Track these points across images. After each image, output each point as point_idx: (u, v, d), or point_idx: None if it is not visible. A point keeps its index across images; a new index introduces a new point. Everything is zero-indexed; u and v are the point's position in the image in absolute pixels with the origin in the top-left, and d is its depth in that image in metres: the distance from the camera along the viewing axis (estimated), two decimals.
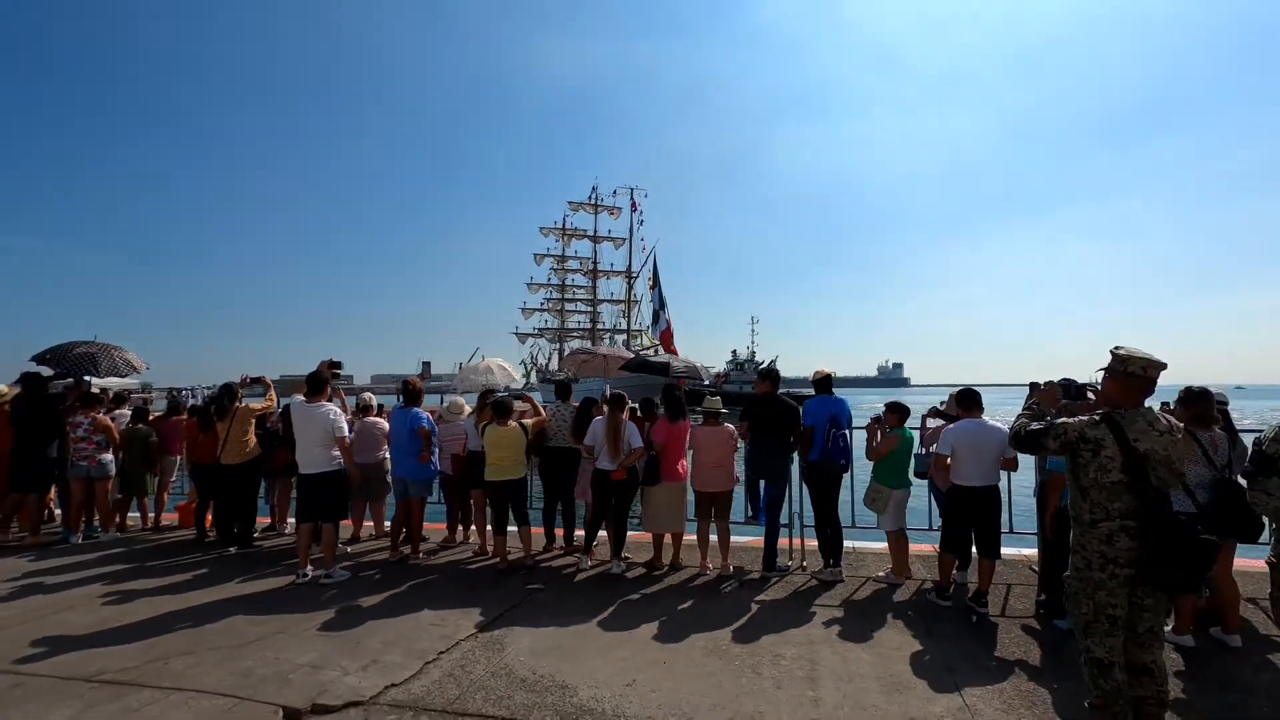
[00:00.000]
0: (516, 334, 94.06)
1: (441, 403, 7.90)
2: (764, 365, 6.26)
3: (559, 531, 6.76)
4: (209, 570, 6.11)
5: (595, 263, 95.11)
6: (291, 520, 7.76)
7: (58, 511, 7.98)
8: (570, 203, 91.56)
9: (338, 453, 5.71)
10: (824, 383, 6.05)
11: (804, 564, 6.08)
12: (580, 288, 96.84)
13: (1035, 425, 3.25)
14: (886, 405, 5.90)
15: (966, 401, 5.10)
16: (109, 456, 7.42)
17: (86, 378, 7.67)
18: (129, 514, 8.09)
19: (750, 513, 6.39)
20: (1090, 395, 3.45)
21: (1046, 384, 5.00)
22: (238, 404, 6.89)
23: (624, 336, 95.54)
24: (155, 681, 3.76)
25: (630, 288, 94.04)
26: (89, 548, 7.00)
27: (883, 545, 6.55)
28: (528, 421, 6.16)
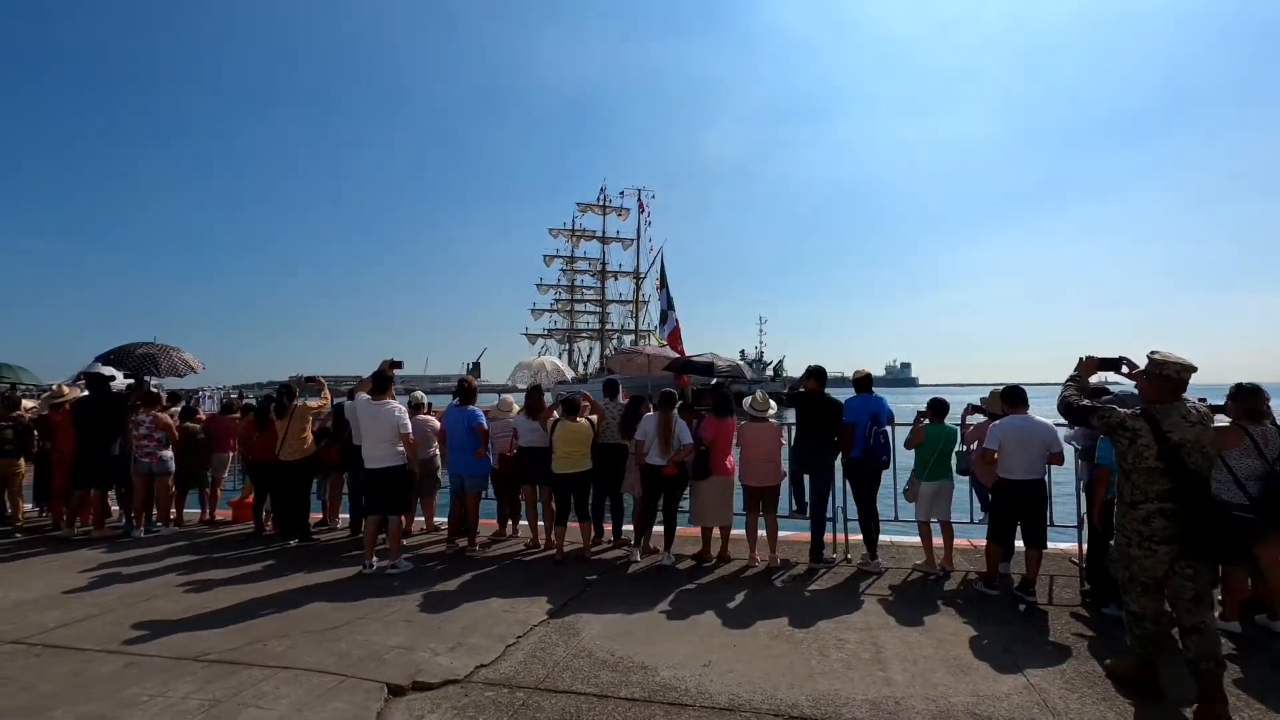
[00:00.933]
0: (526, 335, 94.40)
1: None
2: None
3: (607, 526, 6.98)
4: (275, 562, 6.37)
5: (604, 263, 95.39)
6: (344, 515, 8.04)
7: (114, 507, 8.25)
8: (579, 204, 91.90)
9: (403, 448, 5.95)
10: (864, 382, 6.26)
11: (848, 556, 6.28)
12: (589, 289, 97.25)
13: (1085, 402, 3.73)
14: (929, 402, 6.11)
15: (1012, 398, 5.30)
16: (169, 453, 7.70)
17: (146, 378, 7.94)
18: (184, 509, 8.35)
19: (794, 506, 6.59)
20: (1124, 369, 3.83)
21: (1087, 357, 5.17)
22: (295, 402, 7.14)
23: (631, 337, 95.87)
24: (261, 661, 4.00)
25: (638, 288, 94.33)
26: (152, 541, 7.26)
27: (915, 538, 6.78)
28: (594, 417, 6.39)
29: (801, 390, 6.22)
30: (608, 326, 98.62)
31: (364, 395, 6.03)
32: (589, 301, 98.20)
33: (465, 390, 6.70)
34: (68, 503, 7.60)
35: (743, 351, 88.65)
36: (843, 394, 6.22)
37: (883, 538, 6.28)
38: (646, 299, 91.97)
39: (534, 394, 6.69)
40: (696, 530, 6.46)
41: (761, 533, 6.31)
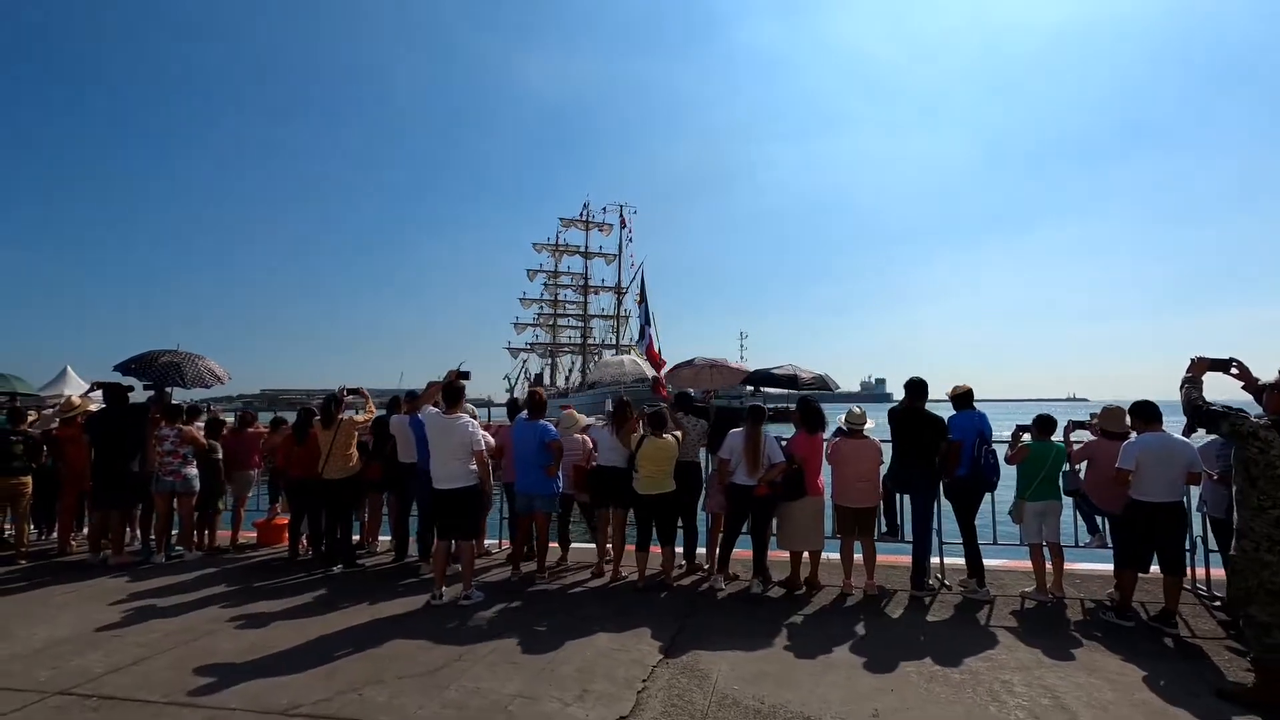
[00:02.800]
0: (509, 348, 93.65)
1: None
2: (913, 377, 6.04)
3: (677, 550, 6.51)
4: (326, 591, 5.79)
5: (586, 278, 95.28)
6: (384, 538, 7.47)
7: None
8: (562, 219, 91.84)
9: (475, 466, 5.44)
10: (965, 398, 5.92)
11: (945, 581, 5.89)
12: (572, 303, 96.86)
13: (1215, 407, 3.84)
14: (1035, 418, 5.79)
15: (1146, 414, 4.98)
16: (194, 471, 7.07)
17: (168, 389, 7.31)
18: (204, 532, 7.68)
19: (885, 528, 6.20)
20: (1234, 370, 4.05)
21: (1198, 358, 4.88)
22: (341, 415, 6.60)
23: (613, 351, 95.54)
24: (366, 716, 3.47)
25: (619, 303, 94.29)
26: (177, 567, 6.63)
27: (1010, 562, 6.44)
28: (678, 433, 5.94)
29: (901, 406, 5.85)
30: (589, 341, 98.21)
31: (432, 409, 5.52)
32: (571, 316, 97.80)
33: (536, 403, 6.20)
34: (76, 525, 6.93)
35: None
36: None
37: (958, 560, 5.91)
38: (627, 314, 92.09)
39: (624, 407, 6.19)
40: (770, 554, 6.02)
41: (857, 557, 5.90)
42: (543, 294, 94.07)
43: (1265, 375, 4.01)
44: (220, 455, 7.48)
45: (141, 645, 4.50)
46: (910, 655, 4.31)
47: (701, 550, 6.55)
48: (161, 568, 6.62)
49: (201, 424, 7.54)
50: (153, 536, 7.15)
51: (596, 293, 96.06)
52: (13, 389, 8.63)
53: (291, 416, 8.96)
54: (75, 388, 11.58)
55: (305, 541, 7.09)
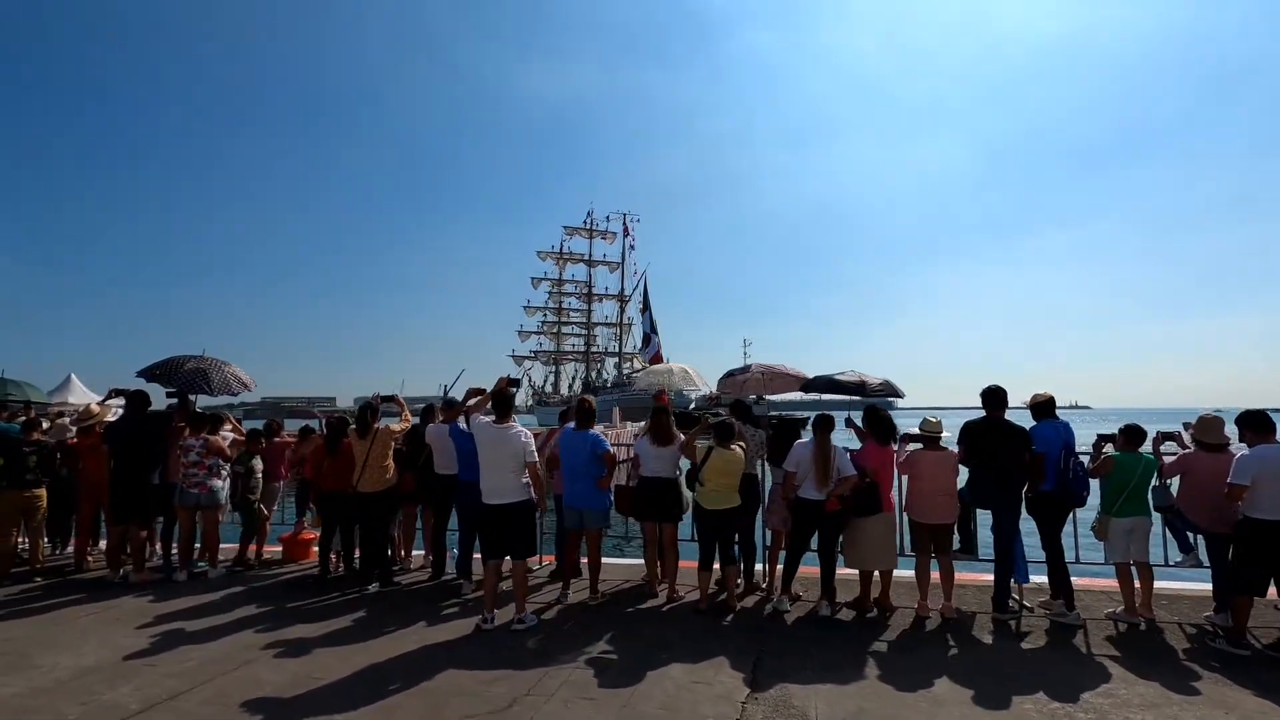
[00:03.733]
0: (513, 356, 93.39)
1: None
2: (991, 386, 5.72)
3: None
4: (365, 613, 5.41)
5: (590, 286, 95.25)
6: (418, 553, 7.10)
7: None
8: (566, 228, 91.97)
9: (527, 480, 5.07)
10: (1046, 406, 5.54)
11: (1025, 603, 5.50)
12: (576, 311, 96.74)
13: None
14: (1122, 428, 5.43)
15: (1259, 424, 4.61)
16: (220, 483, 6.70)
17: (192, 396, 6.95)
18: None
19: (959, 545, 5.82)
20: None
21: None
22: (378, 425, 6.23)
23: (616, 359, 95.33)
24: None
25: (623, 311, 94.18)
26: (203, 586, 6.24)
27: (1084, 580, 6.05)
28: (744, 444, 5.58)
29: (979, 418, 5.49)
30: (593, 349, 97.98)
31: (482, 418, 5.15)
32: (575, 324, 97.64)
33: (586, 411, 5.84)
34: (93, 539, 6.57)
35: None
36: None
37: (1043, 579, 5.54)
38: (630, 321, 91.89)
39: (662, 415, 5.84)
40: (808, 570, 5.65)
41: (933, 575, 5.51)
42: (547, 301, 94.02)
43: None
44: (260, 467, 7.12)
45: (176, 676, 4.12)
46: (1021, 689, 3.92)
47: (759, 567, 6.18)
48: (185, 586, 6.24)
49: (229, 433, 7.17)
50: (174, 552, 6.78)
51: (600, 300, 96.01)
52: (26, 397, 8.28)
53: (297, 424, 8.64)
54: (79, 395, 11.26)
55: (335, 558, 6.71)
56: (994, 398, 5.47)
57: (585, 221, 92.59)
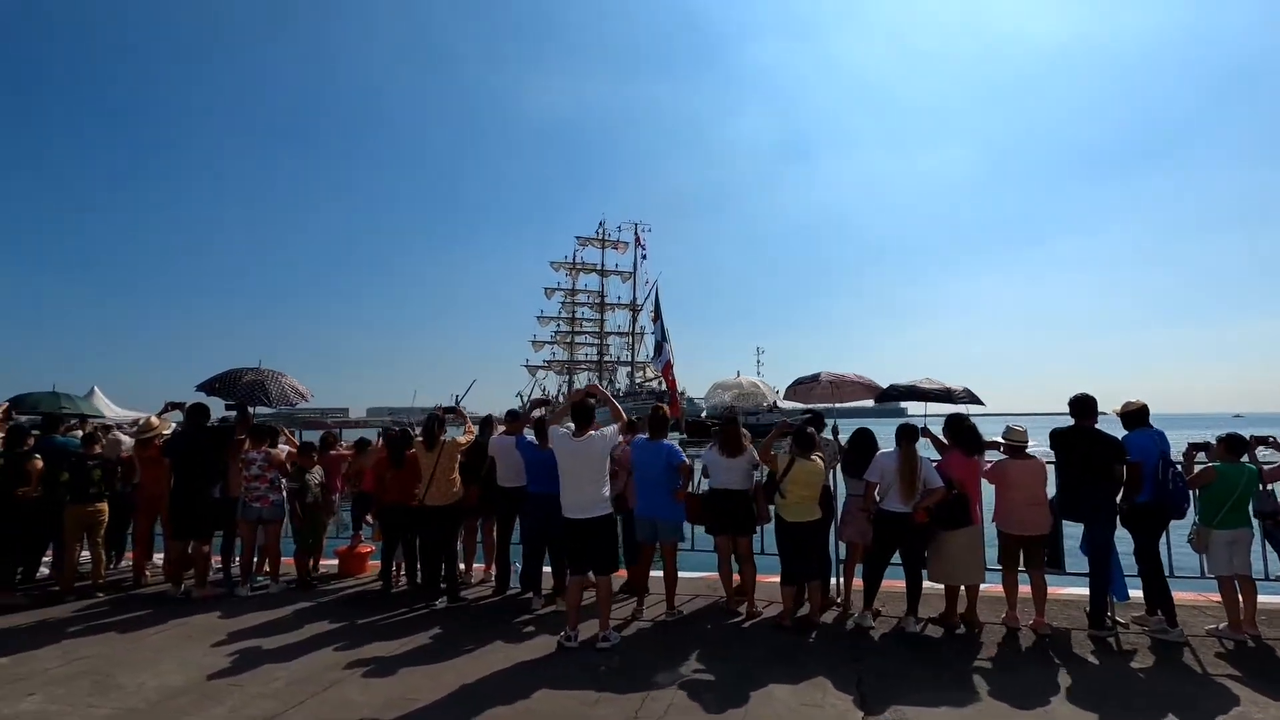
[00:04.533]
0: (527, 366, 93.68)
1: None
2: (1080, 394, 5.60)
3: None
4: (440, 630, 5.30)
5: (603, 296, 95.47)
6: (478, 565, 6.99)
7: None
8: (579, 238, 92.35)
9: (608, 493, 4.96)
10: (1140, 414, 5.36)
11: (1117, 619, 5.30)
12: (589, 321, 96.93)
13: None
14: (1220, 437, 5.25)
15: None
16: (280, 496, 6.64)
17: (251, 408, 6.89)
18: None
19: (1047, 558, 5.64)
20: None
21: None
22: (444, 437, 6.14)
23: (628, 368, 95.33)
24: None
25: (634, 320, 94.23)
26: (269, 601, 6.15)
27: (1181, 595, 5.83)
28: (822, 455, 5.43)
29: (1068, 426, 5.32)
30: (606, 358, 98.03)
31: (561, 430, 5.05)
32: (588, 333, 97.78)
33: (660, 420, 5.71)
34: (169, 555, 6.51)
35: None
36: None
37: (1135, 592, 5.35)
38: (643, 331, 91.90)
39: (732, 426, 5.69)
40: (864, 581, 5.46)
41: (1022, 588, 5.34)
42: (560, 312, 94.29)
43: None
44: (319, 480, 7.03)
45: (267, 697, 4.02)
46: (1147, 712, 3.75)
47: (833, 581, 6.01)
48: (250, 602, 6.16)
49: (284, 446, 7.11)
50: (233, 567, 6.72)
51: (612, 310, 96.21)
52: (79, 410, 8.26)
53: (352, 436, 8.55)
54: (104, 408, 11.26)
55: (396, 571, 6.61)
56: (1083, 405, 5.30)
57: (597, 232, 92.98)
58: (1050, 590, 5.74)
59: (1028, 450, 5.40)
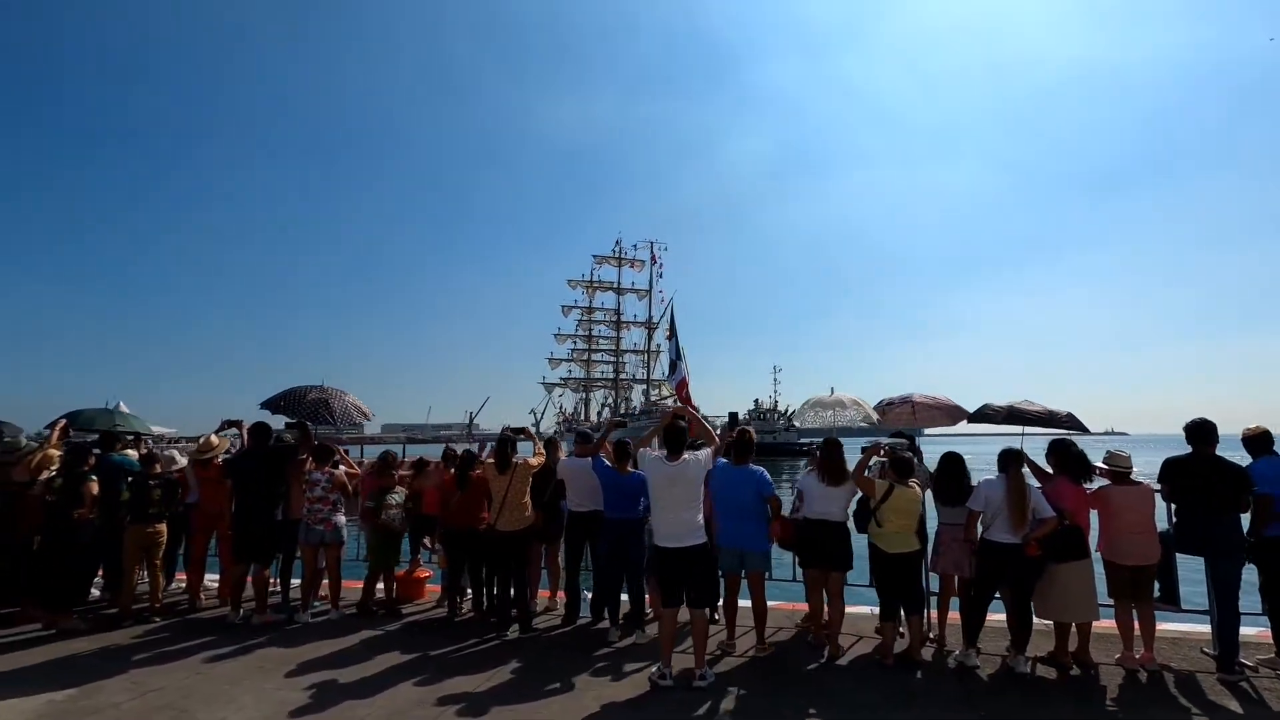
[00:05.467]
0: (544, 383, 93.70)
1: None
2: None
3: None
4: (519, 663, 5.04)
5: (619, 314, 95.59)
6: (542, 592, 6.73)
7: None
8: (595, 256, 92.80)
9: (702, 519, 4.70)
10: (1264, 440, 5.06)
11: (1245, 661, 4.94)
12: (605, 338, 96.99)
13: None
14: None
15: None
16: (343, 519, 6.44)
17: (314, 427, 6.72)
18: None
19: (1159, 593, 5.30)
20: None
21: None
22: (516, 459, 5.92)
23: (644, 386, 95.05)
24: None
25: (650, 338, 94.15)
26: (331, 628, 5.93)
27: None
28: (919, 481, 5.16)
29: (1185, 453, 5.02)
30: (622, 376, 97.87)
31: (652, 454, 4.81)
32: (605, 351, 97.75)
33: (745, 444, 5.45)
34: (228, 579, 6.33)
35: (757, 401, 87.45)
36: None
37: (1248, 630, 5.00)
38: (658, 348, 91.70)
39: (835, 450, 5.39)
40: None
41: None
42: (577, 329, 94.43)
43: None
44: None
45: None
46: None
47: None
48: (312, 629, 5.94)
49: (342, 467, 6.92)
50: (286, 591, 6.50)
51: (628, 328, 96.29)
52: (133, 428, 8.13)
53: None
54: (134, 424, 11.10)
55: (461, 599, 6.37)
56: (1203, 432, 5.00)
57: (614, 250, 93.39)
58: (1158, 626, 5.40)
59: (1131, 476, 5.10)
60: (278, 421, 7.01)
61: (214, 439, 6.90)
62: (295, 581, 6.56)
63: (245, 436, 7.05)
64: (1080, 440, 5.48)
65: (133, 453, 7.24)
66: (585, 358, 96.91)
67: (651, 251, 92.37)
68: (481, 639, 5.64)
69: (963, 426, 6.88)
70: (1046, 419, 5.74)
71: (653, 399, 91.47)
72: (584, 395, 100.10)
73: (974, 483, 5.29)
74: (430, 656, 5.20)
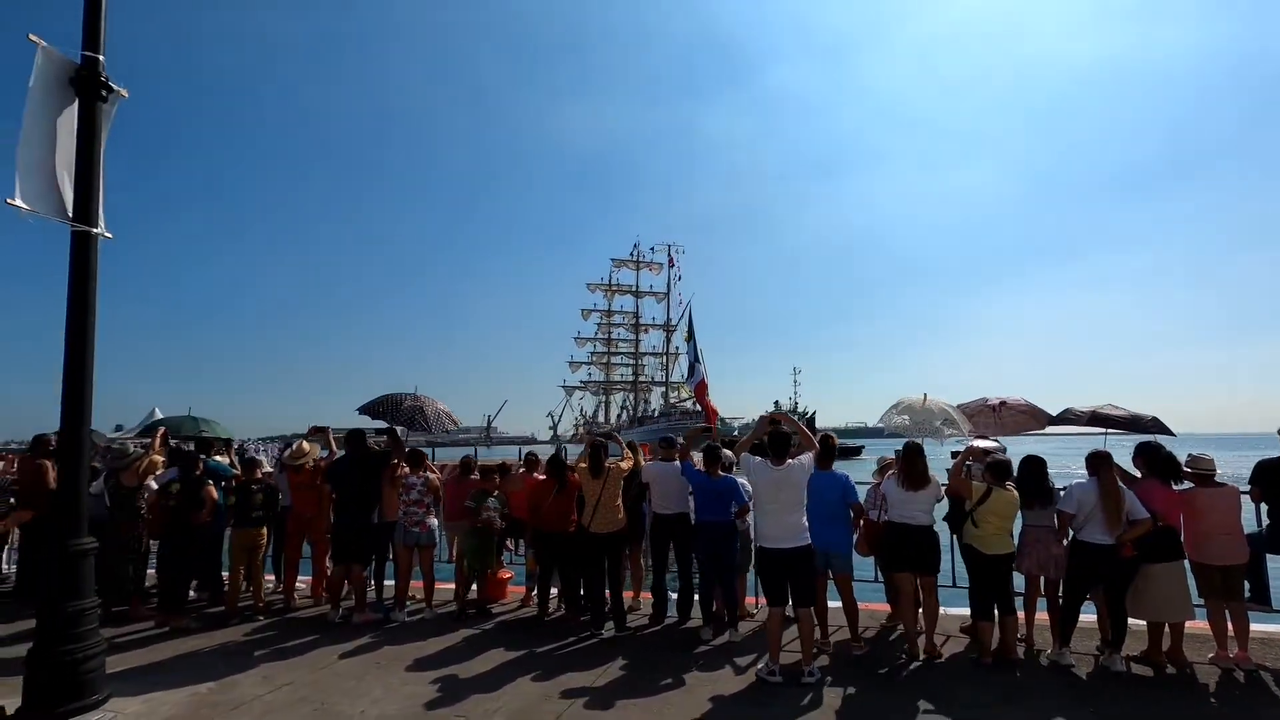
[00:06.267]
0: (564, 386, 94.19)
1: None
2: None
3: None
4: (625, 660, 5.23)
5: (638, 317, 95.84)
6: (629, 592, 6.91)
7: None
8: (614, 260, 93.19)
9: (806, 521, 4.87)
10: None
11: None
12: (624, 341, 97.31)
13: None
14: None
15: None
16: (435, 521, 6.68)
17: (399, 429, 6.98)
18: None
19: (1250, 593, 5.38)
20: None
21: None
22: (610, 463, 6.11)
23: (662, 388, 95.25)
24: None
25: (668, 341, 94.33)
26: (429, 626, 6.16)
27: None
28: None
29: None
30: (641, 379, 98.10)
31: (756, 458, 4.99)
32: (623, 354, 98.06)
33: (829, 449, 5.60)
34: (330, 579, 6.59)
35: (777, 403, 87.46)
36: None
37: None
38: (677, 351, 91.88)
39: (917, 455, 5.52)
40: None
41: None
42: (596, 333, 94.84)
43: None
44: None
45: None
46: None
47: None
48: (412, 628, 6.17)
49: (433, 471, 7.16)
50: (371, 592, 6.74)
51: (647, 331, 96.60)
52: (216, 434, 8.44)
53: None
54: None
55: (557, 600, 6.58)
56: None
57: (632, 254, 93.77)
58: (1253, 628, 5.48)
59: (1215, 479, 5.21)
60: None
61: (305, 445, 7.16)
62: (387, 582, 6.80)
63: (332, 443, 7.35)
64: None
65: (224, 458, 7.57)
66: (605, 361, 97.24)
67: (669, 254, 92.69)
68: (578, 638, 5.84)
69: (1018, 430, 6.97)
70: (1131, 423, 5.84)
71: (671, 401, 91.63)
72: (604, 398, 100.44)
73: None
74: (537, 654, 5.41)
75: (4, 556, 8.45)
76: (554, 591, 6.70)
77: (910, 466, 5.52)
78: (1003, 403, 6.45)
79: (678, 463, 6.18)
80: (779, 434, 5.01)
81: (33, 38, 4.52)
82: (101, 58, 4.76)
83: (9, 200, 4.26)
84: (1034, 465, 5.69)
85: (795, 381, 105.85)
